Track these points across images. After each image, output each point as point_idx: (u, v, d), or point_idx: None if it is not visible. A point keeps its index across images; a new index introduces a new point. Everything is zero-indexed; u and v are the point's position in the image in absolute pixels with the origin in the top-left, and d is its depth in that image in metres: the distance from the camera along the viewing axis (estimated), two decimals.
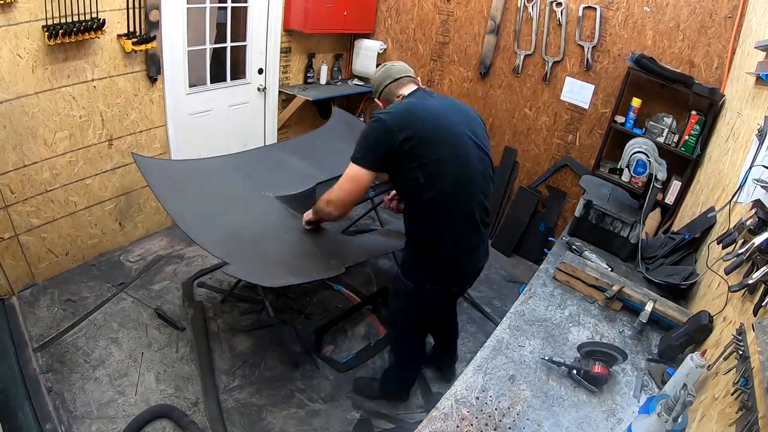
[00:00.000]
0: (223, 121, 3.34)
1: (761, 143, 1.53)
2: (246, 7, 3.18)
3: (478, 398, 1.29)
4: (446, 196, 1.52)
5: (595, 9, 2.86)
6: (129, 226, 2.97)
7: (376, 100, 1.73)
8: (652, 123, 2.74)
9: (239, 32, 3.26)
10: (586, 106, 3.09)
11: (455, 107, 1.65)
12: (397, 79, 1.67)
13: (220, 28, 3.19)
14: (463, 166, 1.53)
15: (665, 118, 2.70)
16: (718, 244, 1.54)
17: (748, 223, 1.35)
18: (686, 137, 2.61)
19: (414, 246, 1.67)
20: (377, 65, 3.85)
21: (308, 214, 1.96)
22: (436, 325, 2.12)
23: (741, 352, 1.09)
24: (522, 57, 3.21)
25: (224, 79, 3.25)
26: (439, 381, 2.35)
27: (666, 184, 2.65)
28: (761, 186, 1.35)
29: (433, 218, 1.56)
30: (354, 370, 2.34)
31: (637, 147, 2.42)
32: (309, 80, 3.75)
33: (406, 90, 1.67)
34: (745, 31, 2.41)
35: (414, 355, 2.03)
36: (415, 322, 1.85)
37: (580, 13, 2.92)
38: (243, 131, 3.54)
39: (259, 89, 3.50)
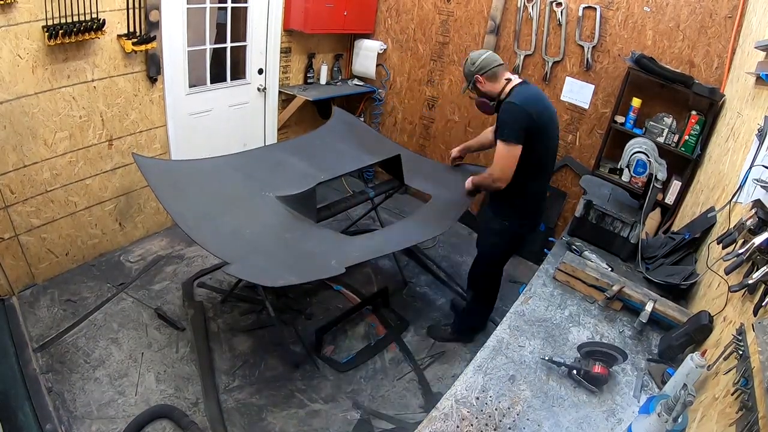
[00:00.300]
0: (223, 122, 3.34)
1: (761, 143, 1.53)
2: (246, 7, 3.18)
3: (478, 398, 1.30)
4: (546, 161, 2.12)
5: (595, 9, 2.86)
6: (129, 227, 2.97)
7: (478, 76, 2.03)
8: (652, 123, 2.74)
9: (239, 32, 3.26)
10: (586, 106, 3.09)
11: (544, 96, 2.12)
12: (502, 64, 2.06)
13: (220, 28, 3.19)
14: (554, 140, 2.13)
15: (665, 118, 2.70)
16: (718, 244, 1.54)
17: (748, 223, 1.35)
18: (686, 137, 2.61)
19: (515, 195, 2.09)
20: (377, 66, 3.88)
21: (470, 184, 2.28)
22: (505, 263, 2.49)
23: (741, 352, 1.09)
24: (522, 57, 3.21)
25: (224, 80, 3.25)
26: (439, 381, 2.35)
27: (666, 184, 2.65)
28: (761, 186, 1.35)
29: (534, 177, 2.08)
30: (354, 371, 2.34)
31: (637, 147, 2.42)
32: (309, 80, 3.75)
33: (510, 76, 2.07)
34: (745, 31, 2.41)
35: (493, 290, 2.50)
36: (501, 256, 2.37)
37: (580, 13, 2.92)
38: (243, 131, 3.54)
39: (259, 89, 3.50)
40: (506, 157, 1.93)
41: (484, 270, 2.42)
